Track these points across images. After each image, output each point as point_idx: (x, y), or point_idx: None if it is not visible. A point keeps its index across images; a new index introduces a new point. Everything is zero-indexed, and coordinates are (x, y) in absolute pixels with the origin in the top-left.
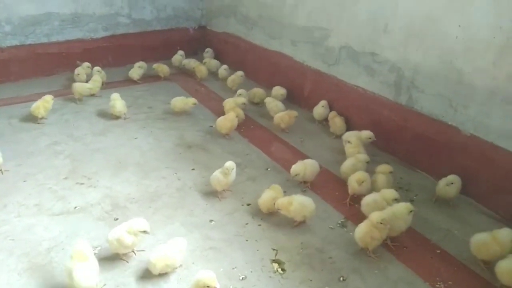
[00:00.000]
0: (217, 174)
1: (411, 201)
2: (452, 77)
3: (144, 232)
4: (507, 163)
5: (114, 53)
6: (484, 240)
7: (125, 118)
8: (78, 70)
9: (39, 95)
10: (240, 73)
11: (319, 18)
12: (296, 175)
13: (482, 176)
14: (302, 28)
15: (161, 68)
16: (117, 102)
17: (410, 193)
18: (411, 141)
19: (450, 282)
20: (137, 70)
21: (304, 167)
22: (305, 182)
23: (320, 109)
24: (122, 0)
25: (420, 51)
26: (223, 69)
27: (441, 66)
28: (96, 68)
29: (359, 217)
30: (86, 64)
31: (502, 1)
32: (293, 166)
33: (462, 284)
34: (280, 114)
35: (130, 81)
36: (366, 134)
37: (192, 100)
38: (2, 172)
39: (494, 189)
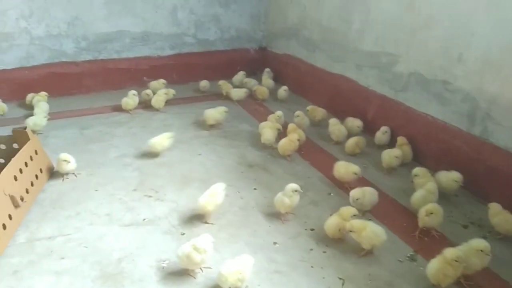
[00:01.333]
0: (280, 195)
1: (484, 237)
2: None
3: (202, 250)
4: None
5: (179, 70)
6: None
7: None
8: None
9: (108, 108)
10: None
11: (387, 43)
12: (356, 199)
13: None
14: (368, 53)
15: (225, 86)
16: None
17: (482, 229)
18: (484, 174)
19: None
20: (132, 99)
21: (363, 193)
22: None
23: (380, 135)
24: (189, 21)
25: (498, 81)
26: (282, 90)
27: None
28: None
29: (429, 251)
30: (162, 81)
31: None
32: (352, 191)
33: None
34: (351, 141)
35: (193, 98)
36: (454, 175)
37: (223, 108)
38: (75, 175)
39: None
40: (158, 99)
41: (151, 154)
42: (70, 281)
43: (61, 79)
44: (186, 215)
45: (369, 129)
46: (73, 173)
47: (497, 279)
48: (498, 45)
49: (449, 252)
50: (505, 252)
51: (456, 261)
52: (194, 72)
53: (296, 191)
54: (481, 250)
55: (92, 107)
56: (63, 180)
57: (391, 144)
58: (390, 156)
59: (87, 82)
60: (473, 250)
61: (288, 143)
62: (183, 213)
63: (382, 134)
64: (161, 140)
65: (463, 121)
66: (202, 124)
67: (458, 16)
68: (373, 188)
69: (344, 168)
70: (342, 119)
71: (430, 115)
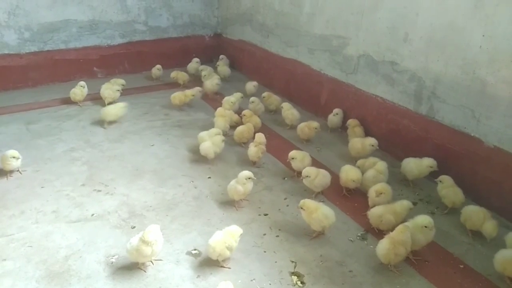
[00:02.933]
0: (234, 183)
1: (432, 213)
2: (475, 88)
3: (149, 242)
4: None
5: (131, 59)
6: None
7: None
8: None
9: (56, 101)
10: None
11: (337, 26)
12: (306, 176)
13: (506, 189)
14: (319, 36)
15: (180, 75)
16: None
17: (430, 205)
18: (431, 152)
19: None
20: (80, 90)
21: (316, 172)
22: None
23: (333, 117)
24: (139, 8)
25: (442, 60)
26: (252, 86)
27: (463, 77)
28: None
29: (379, 230)
30: (196, 59)
31: None
32: (305, 169)
33: None
34: (301, 125)
35: (146, 88)
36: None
37: (191, 92)
38: (20, 172)
39: None
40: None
41: (101, 147)
42: (12, 283)
43: (4, 72)
44: (137, 208)
45: (323, 113)
46: (18, 170)
47: (443, 251)
48: (441, 24)
49: (398, 233)
50: (450, 225)
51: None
52: (146, 61)
53: (249, 178)
54: (425, 226)
55: (38, 100)
56: (7, 178)
57: (344, 126)
58: (364, 144)
59: (33, 75)
60: (418, 226)
61: (246, 131)
62: (134, 206)
63: (333, 116)
64: (116, 109)
65: (410, 101)
66: (155, 114)
67: None
68: (325, 171)
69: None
70: (297, 103)
71: (380, 96)
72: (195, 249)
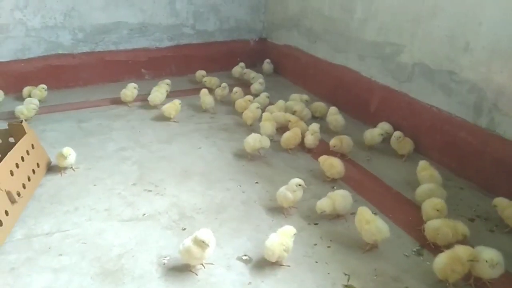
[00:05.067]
0: (284, 190)
1: (491, 231)
2: None
3: (203, 242)
4: None
5: (178, 62)
6: None
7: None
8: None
9: (105, 101)
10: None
11: (391, 33)
12: (321, 212)
13: None
14: (370, 43)
15: (210, 80)
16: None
17: (489, 222)
18: (490, 167)
19: None
20: (130, 91)
21: (332, 202)
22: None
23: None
24: (187, 11)
25: (506, 71)
26: (258, 84)
27: None
28: (166, 81)
29: (435, 246)
30: (241, 64)
31: None
32: (319, 202)
33: None
34: (333, 141)
35: (192, 90)
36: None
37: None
38: (73, 169)
39: None
40: (157, 95)
41: (150, 148)
42: (68, 278)
43: (58, 72)
44: (187, 209)
45: (373, 121)
46: (71, 167)
47: (507, 275)
48: (506, 34)
49: (461, 250)
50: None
51: (471, 260)
52: (193, 64)
53: (299, 185)
54: (486, 261)
55: (89, 100)
56: (61, 174)
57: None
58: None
59: (85, 75)
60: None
61: (292, 137)
62: (184, 207)
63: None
64: (175, 106)
65: (469, 112)
66: (202, 117)
67: (464, 4)
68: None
69: None
70: (345, 110)
71: (435, 107)
72: (245, 255)
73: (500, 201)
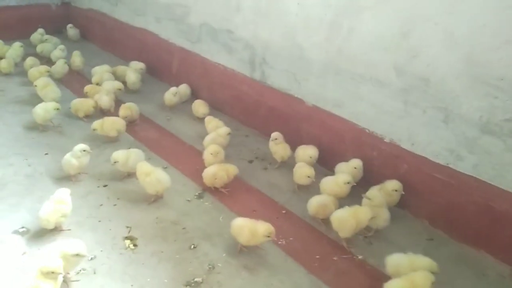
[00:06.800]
0: (68, 157)
1: (265, 169)
2: (295, 53)
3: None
4: (341, 129)
5: None
6: (323, 202)
7: None
8: None
9: None
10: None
11: None
12: (115, 162)
13: (324, 142)
14: (164, 5)
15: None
16: None
17: (265, 162)
18: (266, 114)
19: (291, 238)
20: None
21: (127, 155)
22: None
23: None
24: None
25: (268, 29)
26: (59, 50)
27: (285, 43)
28: None
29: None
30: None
31: None
32: (114, 153)
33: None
34: (121, 112)
35: None
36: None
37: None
38: None
39: (332, 153)
40: None
41: None
42: None
43: None
44: None
45: (176, 82)
46: None
47: (269, 201)
48: None
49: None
50: (278, 178)
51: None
52: None
53: (84, 151)
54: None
55: None
56: None
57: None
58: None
59: None
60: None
61: (84, 102)
62: None
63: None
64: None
65: (246, 68)
66: None
67: None
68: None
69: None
70: (150, 73)
71: (222, 65)
72: (23, 227)
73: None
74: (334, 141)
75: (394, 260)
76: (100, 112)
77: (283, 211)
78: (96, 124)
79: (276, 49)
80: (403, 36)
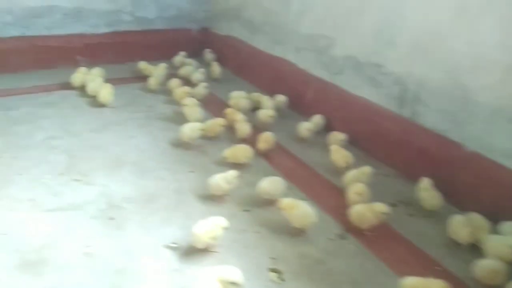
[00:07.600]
0: (218, 179)
1: (410, 215)
2: (457, 93)
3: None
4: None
5: (116, 50)
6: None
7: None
8: None
9: (38, 88)
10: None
11: (325, 26)
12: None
13: (484, 194)
14: (306, 35)
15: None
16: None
17: (409, 207)
18: (412, 155)
19: None
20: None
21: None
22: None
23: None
24: None
25: (426, 65)
26: (200, 73)
27: (446, 82)
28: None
29: (360, 229)
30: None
31: (510, 20)
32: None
33: None
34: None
35: (129, 79)
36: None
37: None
38: None
39: (495, 205)
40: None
41: (81, 136)
42: None
43: None
44: (116, 199)
45: (308, 112)
46: None
47: (421, 253)
48: (427, 30)
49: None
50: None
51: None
52: (132, 52)
53: (237, 177)
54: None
55: (19, 87)
56: None
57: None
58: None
59: (14, 60)
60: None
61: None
62: (113, 197)
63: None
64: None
65: (394, 104)
66: (138, 105)
67: (390, 0)
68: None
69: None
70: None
71: (364, 98)
72: (174, 243)
73: (424, 181)
74: (498, 194)
75: None
76: (229, 133)
77: (437, 267)
78: (228, 152)
79: (433, 87)
80: None
